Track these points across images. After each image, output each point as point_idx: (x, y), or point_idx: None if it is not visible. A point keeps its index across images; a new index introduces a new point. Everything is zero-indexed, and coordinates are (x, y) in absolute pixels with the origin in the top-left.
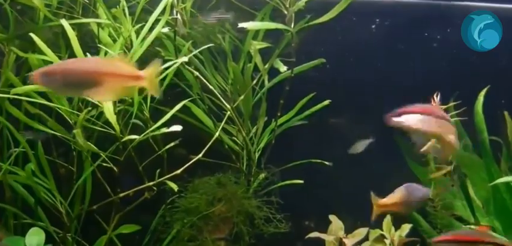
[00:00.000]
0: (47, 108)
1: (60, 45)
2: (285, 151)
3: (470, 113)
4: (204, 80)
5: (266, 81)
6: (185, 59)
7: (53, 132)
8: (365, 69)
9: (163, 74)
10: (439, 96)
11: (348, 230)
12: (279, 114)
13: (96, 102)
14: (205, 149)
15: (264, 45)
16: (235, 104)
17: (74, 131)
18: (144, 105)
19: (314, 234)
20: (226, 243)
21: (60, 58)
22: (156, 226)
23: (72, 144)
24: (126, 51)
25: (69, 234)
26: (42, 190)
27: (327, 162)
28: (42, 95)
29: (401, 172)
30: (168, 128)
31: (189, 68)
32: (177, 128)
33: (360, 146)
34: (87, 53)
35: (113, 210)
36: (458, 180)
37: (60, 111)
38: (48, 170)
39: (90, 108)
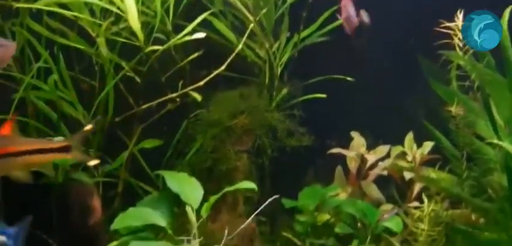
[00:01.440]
0: (68, 21)
1: None
2: (308, 65)
3: None
4: None
5: None
6: None
7: (74, 45)
8: None
9: None
10: None
11: (369, 148)
12: (301, 27)
13: (119, 13)
14: (227, 61)
15: None
16: (258, 18)
17: (98, 40)
18: (166, 18)
19: (336, 150)
20: (249, 155)
21: None
22: (178, 139)
23: (93, 58)
24: None
25: (92, 149)
26: (65, 104)
27: (349, 78)
28: (63, 7)
29: (423, 92)
30: (192, 35)
31: None
32: (201, 35)
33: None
34: None
35: (134, 124)
36: (481, 99)
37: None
38: (70, 84)
39: (112, 19)
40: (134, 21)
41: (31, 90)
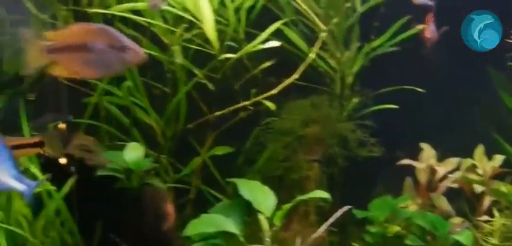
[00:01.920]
0: (141, 28)
1: None
2: (379, 75)
3: None
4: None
5: (359, 6)
6: None
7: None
8: None
9: None
10: None
11: (439, 159)
12: (372, 37)
13: (193, 20)
14: (300, 70)
15: None
16: (329, 28)
17: (174, 48)
18: (238, 26)
19: (406, 161)
20: (320, 165)
21: None
22: (249, 147)
23: (166, 65)
24: None
25: (164, 156)
26: (138, 109)
27: (419, 89)
28: (136, 13)
29: (493, 103)
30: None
31: None
32: (275, 43)
33: None
34: None
35: (206, 131)
36: None
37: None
38: (143, 90)
39: (186, 26)
40: (210, 29)
41: (104, 96)
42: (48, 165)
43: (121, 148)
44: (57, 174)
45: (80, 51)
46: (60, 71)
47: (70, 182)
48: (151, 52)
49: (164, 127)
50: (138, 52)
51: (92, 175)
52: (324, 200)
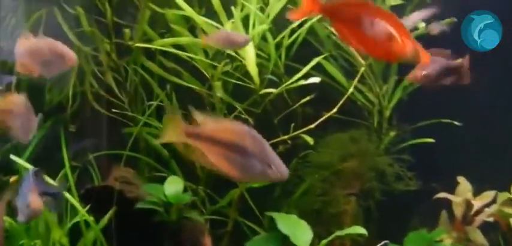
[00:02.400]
0: (182, 62)
1: None
2: (417, 109)
3: None
4: (337, 37)
5: None
6: None
7: (188, 85)
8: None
9: (297, 33)
10: None
11: (475, 193)
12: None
13: (234, 55)
14: (339, 105)
15: (397, 1)
16: (368, 62)
17: (215, 83)
18: (278, 60)
19: (442, 195)
20: (357, 199)
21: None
22: (287, 180)
23: (206, 98)
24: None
25: (201, 187)
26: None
27: (456, 122)
28: (177, 47)
29: None
30: (306, 80)
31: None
32: (316, 79)
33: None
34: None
35: None
36: None
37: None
38: None
39: (227, 61)
40: (252, 64)
41: (143, 127)
42: (87, 195)
43: (160, 180)
44: (96, 204)
45: (226, 149)
46: (198, 158)
47: (109, 214)
48: (192, 85)
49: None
50: (282, 171)
51: (131, 207)
52: (360, 235)
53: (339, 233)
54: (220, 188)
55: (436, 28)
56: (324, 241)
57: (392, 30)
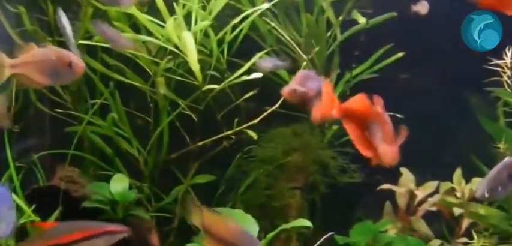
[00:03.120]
0: (124, 58)
1: None
2: None
3: None
4: (279, 32)
5: (338, 34)
6: (265, 5)
7: (131, 82)
8: (442, 23)
9: (240, 27)
10: None
11: (418, 184)
12: (353, 65)
13: (177, 52)
14: (282, 99)
15: None
16: (310, 56)
17: (157, 80)
18: (221, 56)
19: (386, 186)
20: (302, 192)
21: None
22: (231, 175)
23: (149, 95)
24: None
25: (146, 184)
26: (121, 140)
27: (399, 115)
28: None
29: (472, 128)
30: (249, 75)
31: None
32: (258, 75)
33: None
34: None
35: (188, 160)
36: None
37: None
38: (125, 120)
39: (170, 58)
40: (194, 61)
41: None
42: (32, 196)
43: (105, 178)
44: (42, 204)
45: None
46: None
47: (54, 214)
48: (135, 83)
49: (147, 156)
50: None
51: (77, 206)
52: (305, 227)
53: (284, 226)
54: (165, 185)
55: (423, 8)
56: (270, 234)
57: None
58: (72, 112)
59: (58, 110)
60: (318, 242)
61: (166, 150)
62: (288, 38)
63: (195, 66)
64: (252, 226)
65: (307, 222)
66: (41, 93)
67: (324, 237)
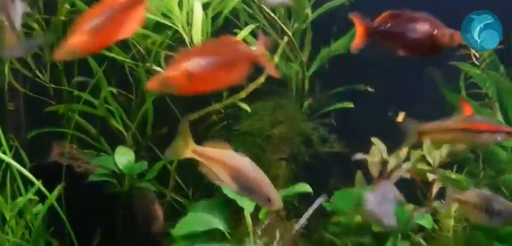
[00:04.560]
0: None
1: None
2: (336, 77)
3: None
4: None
5: (309, 12)
6: None
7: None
8: None
9: None
10: None
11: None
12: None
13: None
14: (265, 73)
15: None
16: (293, 32)
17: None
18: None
19: (359, 156)
20: (287, 162)
21: None
22: None
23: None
24: None
25: None
26: (110, 116)
27: (369, 89)
28: None
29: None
30: None
31: None
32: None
33: None
34: None
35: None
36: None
37: None
38: (111, 97)
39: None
40: (197, 32)
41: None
42: (34, 172)
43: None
44: (44, 181)
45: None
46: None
47: (57, 189)
48: (121, 57)
49: (134, 133)
50: (278, 204)
51: (80, 182)
52: (307, 193)
53: (284, 192)
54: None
55: None
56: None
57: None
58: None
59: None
60: (313, 206)
61: (151, 125)
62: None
63: (198, 37)
64: (245, 201)
65: (306, 187)
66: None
67: (318, 201)
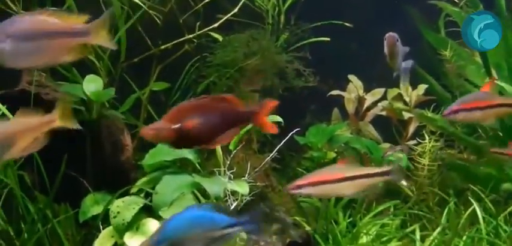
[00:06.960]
0: None
1: None
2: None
3: None
4: None
5: None
6: None
7: None
8: None
9: None
10: None
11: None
12: None
13: None
14: (239, 6)
15: None
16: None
17: None
18: None
19: (335, 92)
20: (260, 95)
21: None
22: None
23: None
24: None
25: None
26: None
27: (347, 24)
28: None
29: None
30: None
31: None
32: None
33: None
34: None
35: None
36: None
37: None
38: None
39: None
40: None
41: None
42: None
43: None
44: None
45: None
46: None
47: None
48: None
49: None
50: None
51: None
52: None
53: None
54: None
55: None
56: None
57: None
58: None
59: None
60: (286, 138)
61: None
62: None
63: None
64: None
65: (278, 118)
66: None
67: (291, 134)
